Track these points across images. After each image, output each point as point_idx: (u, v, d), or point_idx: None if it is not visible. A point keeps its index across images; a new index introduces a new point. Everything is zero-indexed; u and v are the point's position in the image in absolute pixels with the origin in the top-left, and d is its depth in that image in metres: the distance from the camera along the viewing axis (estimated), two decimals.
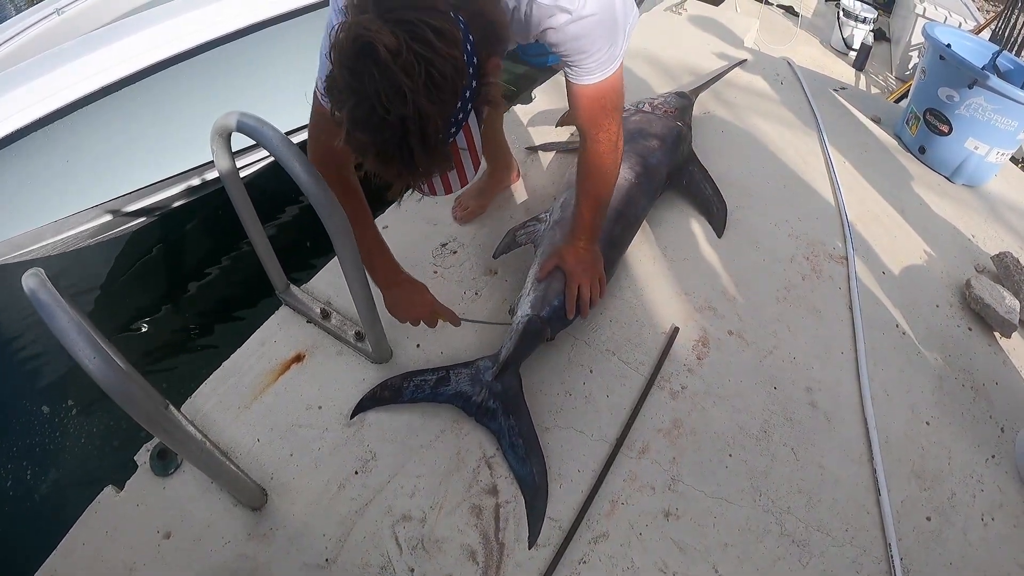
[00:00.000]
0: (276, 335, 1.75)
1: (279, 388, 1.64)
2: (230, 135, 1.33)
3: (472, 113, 0.97)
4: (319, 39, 1.15)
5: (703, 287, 2.01)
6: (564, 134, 2.53)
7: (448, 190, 1.07)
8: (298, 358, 1.70)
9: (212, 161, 1.41)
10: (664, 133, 2.21)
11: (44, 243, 2.86)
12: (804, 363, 1.84)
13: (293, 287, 1.81)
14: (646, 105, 2.36)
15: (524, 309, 1.65)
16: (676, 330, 1.85)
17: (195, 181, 3.10)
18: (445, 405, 1.60)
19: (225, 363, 1.69)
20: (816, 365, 1.84)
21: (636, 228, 2.02)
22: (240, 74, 2.88)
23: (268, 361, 1.69)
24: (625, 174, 1.95)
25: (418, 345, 1.74)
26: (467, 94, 0.93)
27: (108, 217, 2.97)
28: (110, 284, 3.57)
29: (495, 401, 1.57)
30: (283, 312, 1.81)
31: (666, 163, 2.14)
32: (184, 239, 3.76)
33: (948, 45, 2.70)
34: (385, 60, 0.81)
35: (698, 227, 2.22)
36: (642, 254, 2.08)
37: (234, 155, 1.42)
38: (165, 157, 2.93)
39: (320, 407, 1.60)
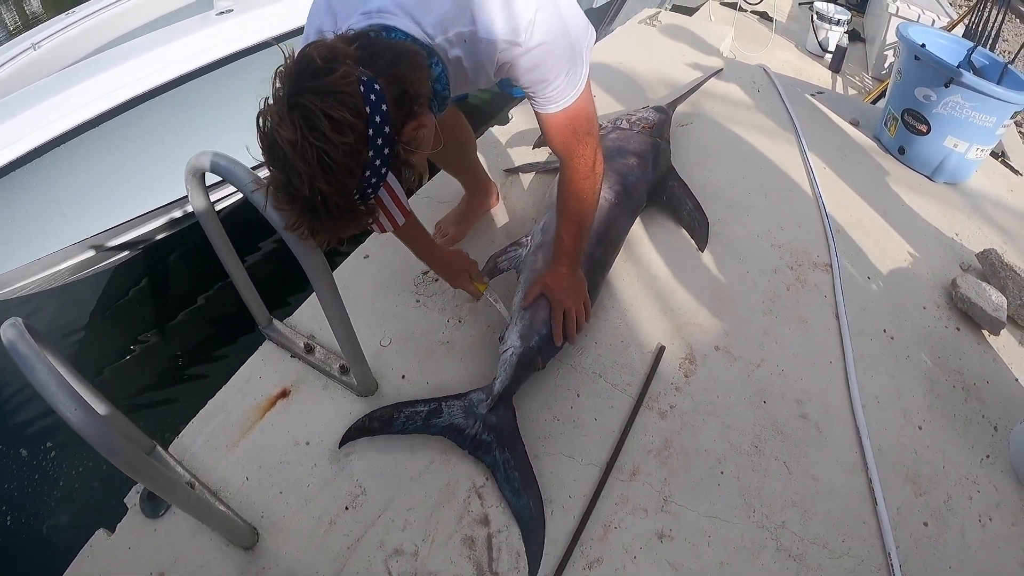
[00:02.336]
0: (261, 371, 1.74)
1: (266, 425, 1.62)
2: (204, 174, 1.32)
3: (390, 175, 1.05)
4: None
5: (688, 303, 2.00)
6: (542, 154, 2.52)
7: (381, 230, 1.16)
8: (284, 394, 1.69)
9: None
10: (643, 150, 2.20)
11: (27, 281, 2.85)
12: (793, 375, 1.83)
13: (276, 322, 1.80)
14: (623, 122, 2.36)
15: (512, 339, 1.64)
16: (662, 348, 1.85)
17: (177, 213, 3.10)
18: (436, 437, 1.58)
19: (211, 401, 1.68)
20: (805, 376, 1.83)
21: (618, 249, 2.01)
22: (218, 106, 2.89)
23: (254, 398, 1.68)
24: (605, 194, 1.94)
25: (403, 376, 1.73)
26: (377, 162, 1.00)
27: (91, 252, 2.97)
28: (95, 319, 3.57)
29: (489, 434, 1.55)
30: (267, 347, 1.79)
31: (646, 180, 2.14)
32: (168, 271, 3.77)
33: (923, 45, 2.72)
34: (286, 149, 0.92)
35: (680, 242, 2.21)
36: (625, 273, 2.07)
37: (211, 188, 1.41)
38: (146, 190, 2.94)
39: (308, 443, 1.59)
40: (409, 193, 1.19)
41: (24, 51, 3.34)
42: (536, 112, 1.40)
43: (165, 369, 3.32)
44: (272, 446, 1.58)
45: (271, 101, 0.94)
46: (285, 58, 0.96)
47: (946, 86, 2.57)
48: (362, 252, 2.06)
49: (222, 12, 2.92)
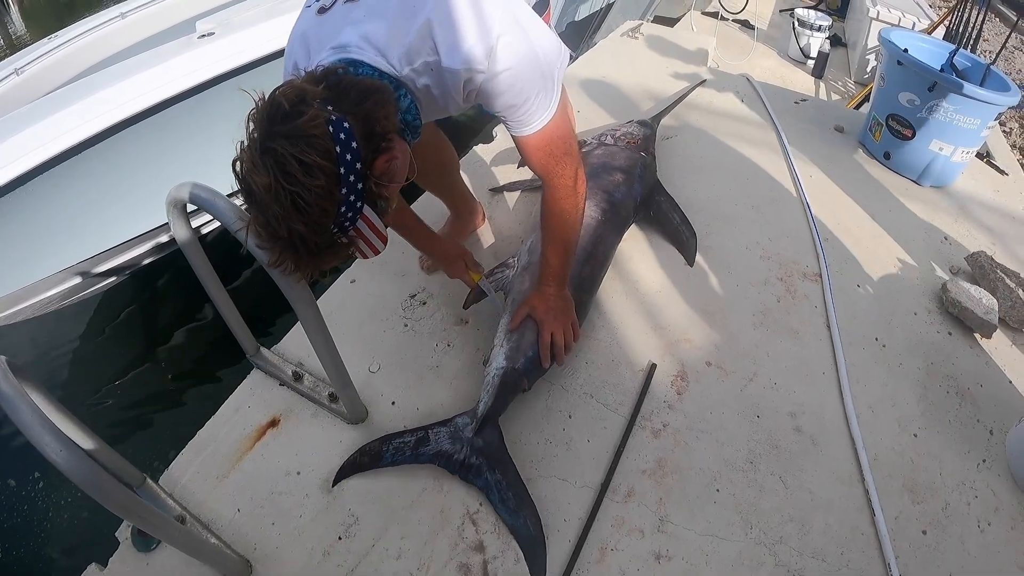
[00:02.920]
0: (249, 400, 1.72)
1: (256, 455, 1.60)
2: (185, 205, 1.31)
3: (365, 208, 1.07)
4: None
5: (678, 319, 1.99)
6: (528, 173, 2.50)
7: (363, 257, 1.17)
8: (273, 423, 1.67)
9: None
10: (628, 166, 2.20)
11: (14, 309, 2.83)
12: (786, 388, 1.82)
13: (263, 350, 1.78)
14: (607, 137, 2.35)
15: (499, 361, 1.63)
16: (653, 366, 1.83)
17: (163, 238, 3.09)
18: (427, 465, 1.57)
19: (200, 432, 1.66)
20: (798, 388, 1.82)
21: (606, 267, 2.00)
22: (203, 129, 2.88)
23: (243, 428, 1.66)
24: (591, 212, 1.93)
25: (393, 403, 1.71)
26: (352, 198, 1.02)
27: (78, 279, 2.96)
28: (84, 347, 3.55)
29: (478, 457, 1.54)
30: (255, 376, 1.77)
31: (632, 196, 2.13)
32: (156, 296, 3.74)
33: (905, 50, 2.73)
34: (261, 195, 0.95)
35: (668, 258, 2.20)
36: (613, 291, 2.06)
37: (194, 215, 1.41)
38: (132, 216, 2.92)
39: (299, 472, 1.57)
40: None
41: (7, 77, 3.33)
42: (512, 135, 1.40)
43: (155, 395, 3.30)
44: (263, 477, 1.56)
45: (246, 144, 0.97)
46: (256, 102, 0.98)
47: (930, 90, 2.57)
48: (348, 277, 2.04)
49: (204, 35, 2.92)
